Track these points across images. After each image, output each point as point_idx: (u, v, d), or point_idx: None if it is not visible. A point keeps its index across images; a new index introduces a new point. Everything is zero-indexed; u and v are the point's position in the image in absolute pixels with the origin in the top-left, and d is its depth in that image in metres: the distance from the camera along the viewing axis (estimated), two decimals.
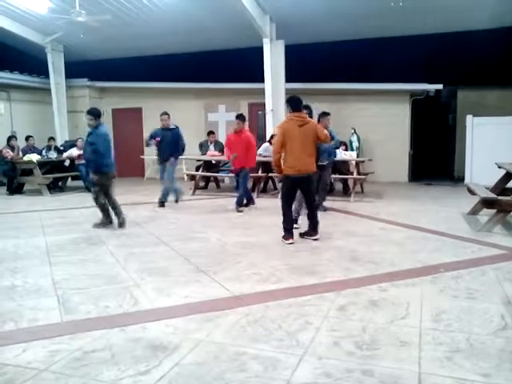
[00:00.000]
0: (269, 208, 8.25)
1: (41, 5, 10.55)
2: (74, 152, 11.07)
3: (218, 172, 11.36)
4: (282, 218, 5.67)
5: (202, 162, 11.02)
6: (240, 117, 7.99)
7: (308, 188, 5.67)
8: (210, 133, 11.71)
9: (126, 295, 3.76)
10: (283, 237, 5.61)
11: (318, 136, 5.58)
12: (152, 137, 8.24)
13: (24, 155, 10.69)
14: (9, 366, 2.61)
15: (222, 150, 11.24)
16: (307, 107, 6.39)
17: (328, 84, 12.54)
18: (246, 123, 8.27)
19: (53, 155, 11.20)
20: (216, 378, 2.46)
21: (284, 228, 5.64)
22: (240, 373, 2.50)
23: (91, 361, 2.66)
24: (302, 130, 5.47)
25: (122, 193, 10.50)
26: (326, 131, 5.85)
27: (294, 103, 5.60)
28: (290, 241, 5.52)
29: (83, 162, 10.94)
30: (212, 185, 11.66)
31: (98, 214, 6.53)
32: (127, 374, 2.50)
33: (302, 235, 5.79)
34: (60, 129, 13.61)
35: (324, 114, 7.64)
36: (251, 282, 4.08)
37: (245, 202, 8.13)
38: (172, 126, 8.28)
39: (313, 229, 5.74)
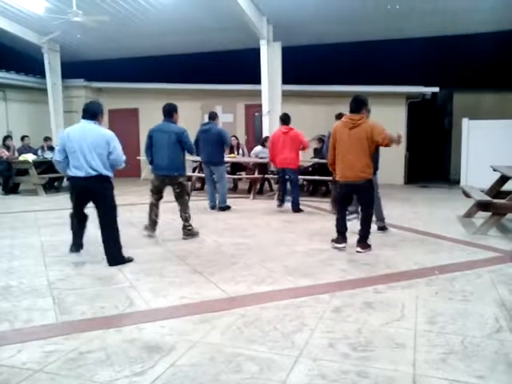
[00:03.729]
0: (265, 209, 8.26)
1: (37, 4, 10.54)
2: None
3: None
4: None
5: (198, 162, 11.00)
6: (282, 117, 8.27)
7: (361, 197, 5.33)
8: None
9: (122, 296, 3.76)
10: (332, 240, 5.37)
11: (373, 139, 5.02)
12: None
13: (20, 155, 10.66)
14: (3, 366, 2.61)
15: None
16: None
17: (324, 86, 12.57)
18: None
19: (48, 155, 11.17)
20: (211, 379, 2.46)
21: (336, 231, 5.37)
22: (235, 374, 2.51)
23: (86, 361, 2.65)
24: (352, 133, 5.07)
25: (118, 194, 10.49)
26: (386, 133, 5.05)
27: (353, 104, 5.22)
28: (342, 245, 5.25)
29: None
30: None
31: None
32: (122, 375, 2.50)
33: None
34: (56, 129, 13.57)
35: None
36: (247, 283, 4.08)
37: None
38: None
39: (359, 240, 5.26)
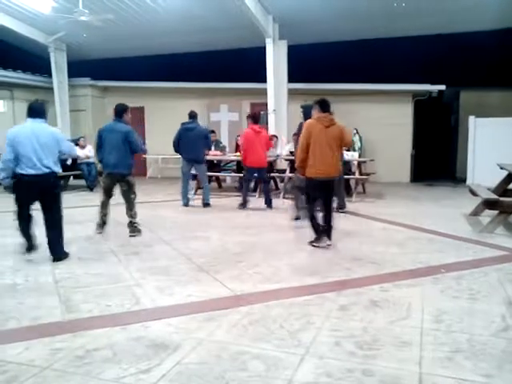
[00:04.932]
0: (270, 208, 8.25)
1: (44, 4, 10.57)
2: (78, 151, 11.07)
3: (219, 171, 11.37)
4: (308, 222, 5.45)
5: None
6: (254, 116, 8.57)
7: (331, 191, 5.45)
8: (211, 132, 11.68)
9: (128, 294, 3.77)
10: (312, 242, 5.38)
11: (344, 138, 5.35)
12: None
13: None
14: (11, 363, 2.62)
15: (222, 150, 11.26)
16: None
17: (330, 84, 12.53)
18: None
19: None
20: (217, 377, 2.46)
21: (314, 232, 5.39)
22: (241, 372, 2.51)
23: (93, 359, 2.66)
24: (328, 130, 5.20)
25: None
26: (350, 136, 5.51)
27: (325, 104, 5.32)
28: (322, 244, 5.31)
29: (87, 160, 11.03)
30: (214, 184, 11.65)
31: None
32: (129, 373, 2.51)
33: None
34: (62, 127, 13.63)
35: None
36: (253, 282, 4.08)
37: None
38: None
39: (330, 232, 5.39)
